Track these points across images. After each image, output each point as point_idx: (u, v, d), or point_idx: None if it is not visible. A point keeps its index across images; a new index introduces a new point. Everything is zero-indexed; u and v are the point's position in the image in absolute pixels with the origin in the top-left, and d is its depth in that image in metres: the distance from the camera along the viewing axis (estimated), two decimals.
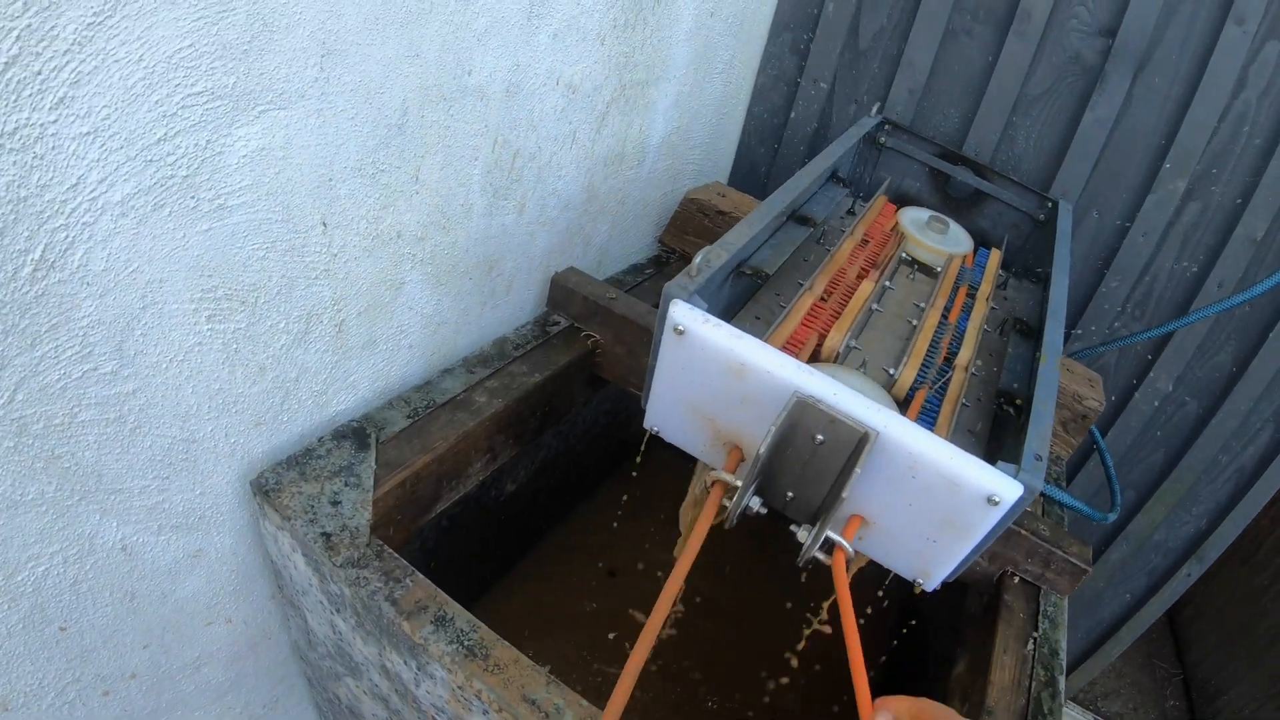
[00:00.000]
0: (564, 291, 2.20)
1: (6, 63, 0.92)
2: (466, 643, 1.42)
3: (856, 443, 1.32)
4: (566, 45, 1.86)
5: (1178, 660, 4.46)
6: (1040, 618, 1.84)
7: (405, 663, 1.49)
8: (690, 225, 2.74)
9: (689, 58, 2.46)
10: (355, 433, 1.75)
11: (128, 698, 1.62)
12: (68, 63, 0.99)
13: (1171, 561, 3.17)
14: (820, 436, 1.34)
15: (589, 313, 2.18)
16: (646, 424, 1.61)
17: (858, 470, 1.29)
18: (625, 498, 2.98)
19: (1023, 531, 1.88)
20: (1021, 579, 1.93)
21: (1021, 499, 1.29)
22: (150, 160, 1.14)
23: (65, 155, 1.04)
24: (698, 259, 1.50)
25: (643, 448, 1.77)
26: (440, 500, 1.89)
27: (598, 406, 2.65)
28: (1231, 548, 3.82)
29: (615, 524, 2.92)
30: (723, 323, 1.39)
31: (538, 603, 2.74)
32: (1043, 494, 2.19)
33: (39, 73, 0.96)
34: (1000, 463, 1.32)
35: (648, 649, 1.19)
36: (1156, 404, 2.97)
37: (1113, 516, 2.33)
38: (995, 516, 1.31)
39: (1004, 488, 1.28)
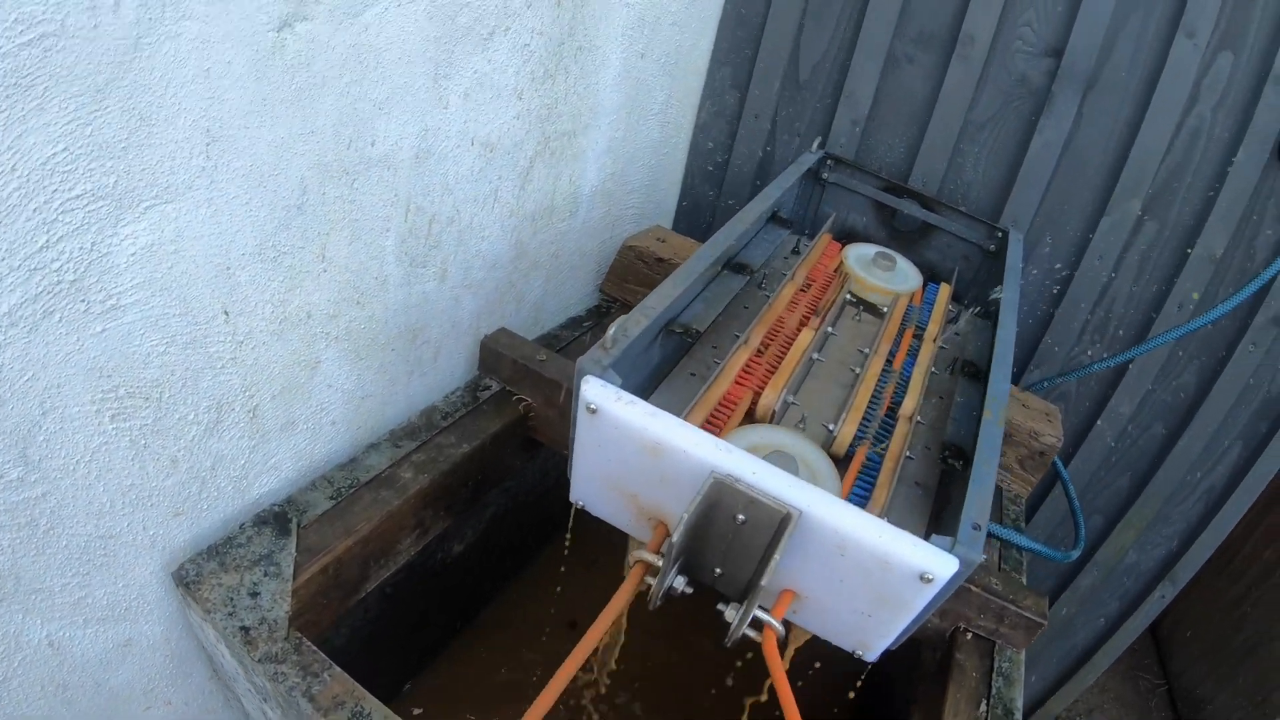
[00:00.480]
0: (494, 355, 2.19)
1: None
2: None
3: (778, 523, 1.29)
4: (480, 104, 1.86)
5: (1161, 671, 4.48)
6: (994, 675, 1.84)
7: None
8: (630, 274, 2.73)
9: (620, 102, 2.46)
10: (277, 518, 1.74)
11: None
12: None
13: (1144, 584, 3.16)
14: (741, 516, 1.33)
15: (520, 376, 2.16)
16: (572, 498, 1.61)
17: (777, 557, 1.27)
18: (567, 553, 2.95)
19: (974, 588, 1.87)
20: (975, 634, 1.92)
21: (959, 573, 1.27)
22: (34, 269, 1.14)
23: None
24: (612, 330, 1.47)
25: (570, 523, 1.73)
26: (369, 580, 1.88)
27: (545, 462, 2.63)
28: (1208, 559, 3.83)
29: (571, 575, 2.89)
30: (637, 400, 1.37)
31: (499, 660, 2.72)
32: (1002, 539, 2.16)
33: None
34: (934, 536, 1.30)
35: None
36: (1120, 429, 2.96)
37: (1075, 554, 2.32)
38: (930, 592, 1.29)
39: (938, 565, 1.27)
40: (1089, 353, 2.89)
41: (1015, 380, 2.98)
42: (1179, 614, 4.51)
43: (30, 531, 1.31)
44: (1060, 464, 2.73)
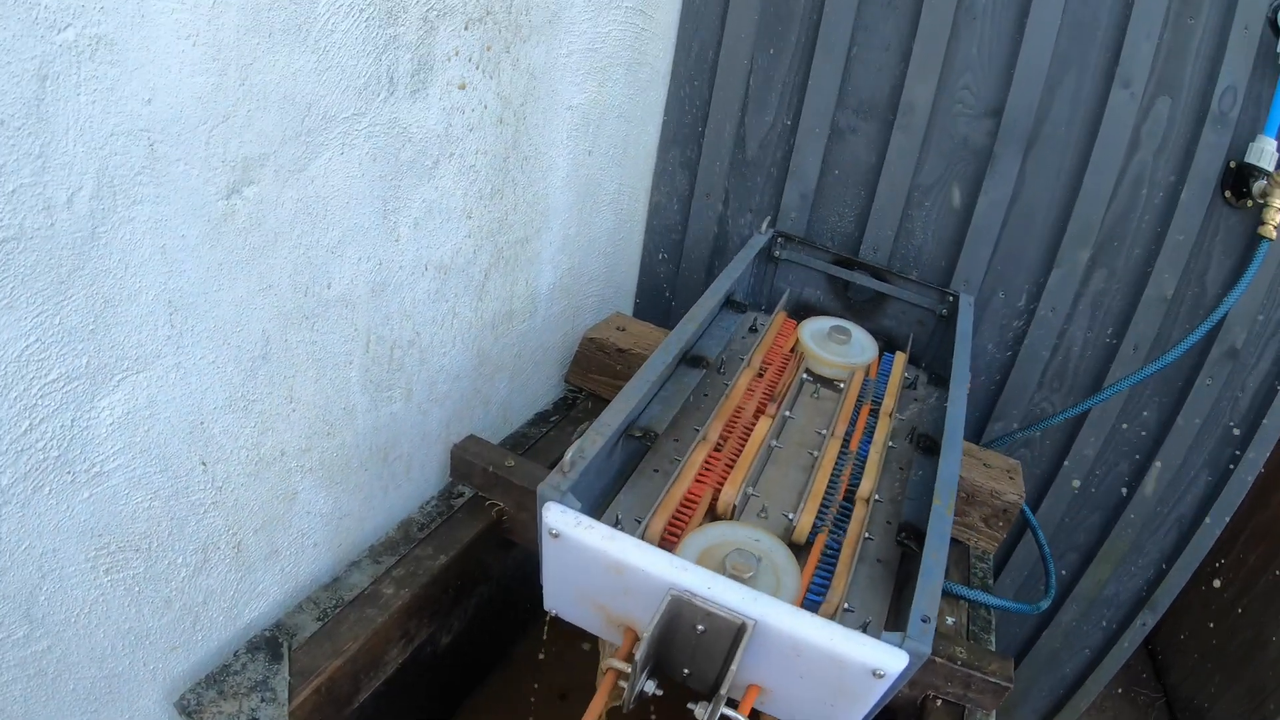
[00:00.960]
0: (465, 464, 2.27)
1: None
2: None
3: (735, 632, 1.38)
4: (430, 230, 1.96)
5: (1158, 683, 4.53)
6: None
7: None
8: (592, 365, 2.82)
9: (571, 200, 2.57)
10: (268, 643, 1.82)
11: None
12: None
13: (1125, 614, 3.24)
14: (700, 627, 1.43)
15: (490, 483, 2.25)
16: (546, 606, 1.70)
17: (736, 662, 1.37)
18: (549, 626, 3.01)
19: (938, 660, 1.94)
20: (944, 700, 1.99)
21: (909, 665, 1.37)
22: (21, 450, 1.23)
23: None
24: (570, 453, 1.57)
25: (545, 628, 1.81)
26: (361, 692, 1.96)
27: (518, 557, 2.69)
28: (1198, 566, 3.90)
29: (561, 649, 2.95)
30: (596, 524, 1.47)
31: None
32: (969, 600, 2.24)
33: None
34: (884, 634, 1.40)
35: None
36: (1087, 470, 3.06)
37: (1045, 604, 2.41)
38: (884, 686, 1.39)
39: (888, 661, 1.36)
40: (1049, 400, 2.99)
41: (977, 435, 3.08)
42: (1172, 625, 4.57)
43: (40, 680, 1.39)
44: (1030, 513, 2.83)
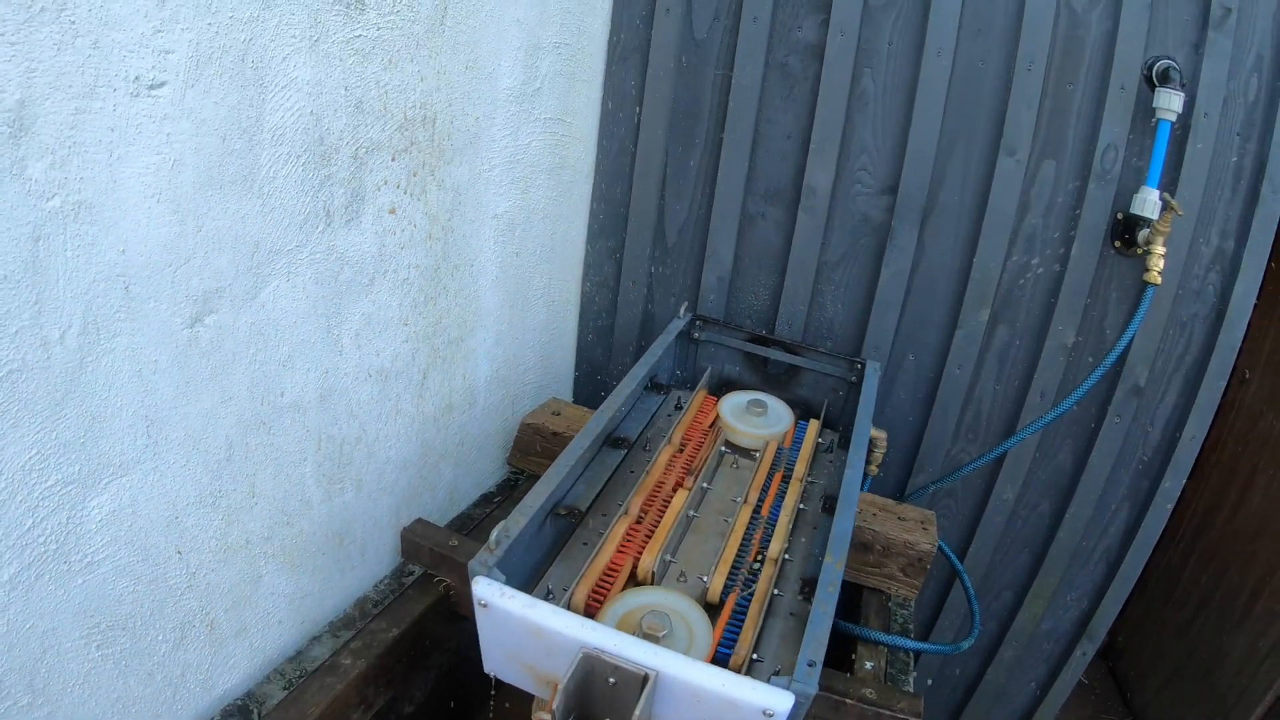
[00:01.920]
0: (413, 545, 2.53)
1: None
2: None
3: (640, 682, 1.62)
4: (370, 339, 2.24)
5: (1125, 707, 4.69)
6: None
7: None
8: (530, 448, 3.06)
9: (501, 299, 2.85)
10: (240, 710, 2.07)
11: None
12: None
13: (1064, 646, 3.45)
14: (612, 679, 1.66)
15: (437, 561, 2.50)
16: (486, 669, 1.93)
17: (639, 709, 1.60)
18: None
19: (849, 701, 2.17)
20: None
21: (797, 704, 1.59)
22: (26, 545, 1.49)
23: None
24: (495, 533, 1.83)
25: (492, 690, 2.04)
26: None
27: (469, 628, 2.85)
28: (1150, 592, 4.11)
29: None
30: (517, 594, 1.72)
31: None
32: (887, 645, 2.47)
33: None
34: (773, 678, 1.63)
35: None
36: (1009, 512, 3.29)
37: (967, 644, 2.61)
38: None
39: (776, 701, 1.58)
40: (966, 450, 3.25)
41: (899, 491, 3.32)
42: (1134, 650, 4.76)
43: None
44: (953, 556, 3.05)
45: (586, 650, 1.65)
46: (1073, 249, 2.89)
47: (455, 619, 2.59)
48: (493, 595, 1.72)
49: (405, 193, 2.20)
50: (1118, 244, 2.84)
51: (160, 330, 1.62)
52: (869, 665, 2.40)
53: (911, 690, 2.34)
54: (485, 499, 3.03)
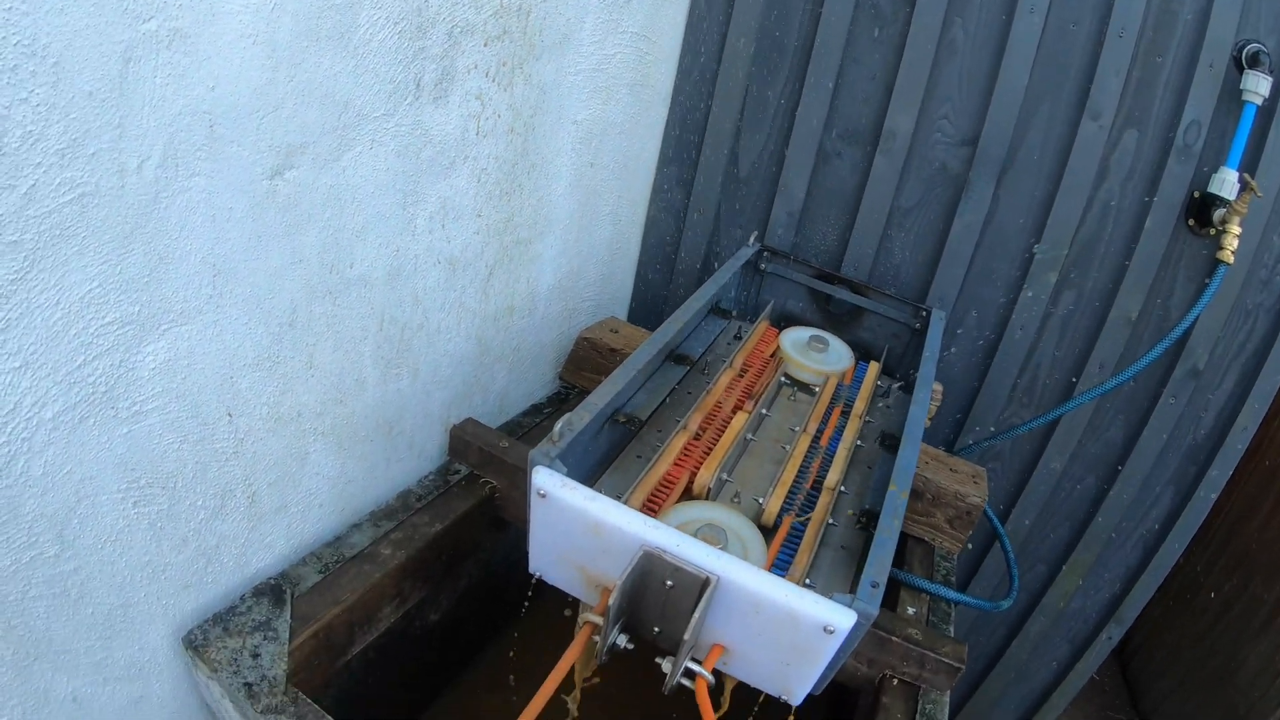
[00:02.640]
0: (462, 443, 2.45)
1: None
2: None
3: (700, 587, 1.55)
4: (443, 224, 2.15)
5: (1133, 709, 4.63)
6: (919, 716, 2.06)
7: None
8: (586, 363, 3.00)
9: (573, 208, 2.75)
10: (273, 589, 1.99)
11: None
12: None
13: (1091, 627, 3.38)
14: (669, 582, 1.59)
15: (485, 462, 2.43)
16: (531, 569, 1.87)
17: (699, 614, 1.53)
18: (523, 617, 3.12)
19: (894, 639, 2.10)
20: (901, 680, 2.15)
21: (858, 625, 1.52)
22: (74, 383, 1.41)
23: (2, 386, 1.30)
24: (559, 425, 1.75)
25: (530, 591, 1.98)
26: (355, 643, 2.13)
27: (516, 534, 2.83)
28: (1171, 593, 4.03)
29: (543, 640, 3.09)
30: (579, 486, 1.64)
31: (478, 712, 2.90)
32: (930, 593, 2.40)
33: None
34: (836, 595, 1.55)
35: None
36: (1054, 483, 3.22)
37: (1006, 604, 2.54)
38: (836, 642, 1.54)
39: (838, 618, 1.51)
40: (1019, 414, 3.16)
41: (950, 444, 3.24)
42: (1147, 651, 4.69)
43: (63, 600, 1.55)
44: (994, 518, 2.97)
45: (648, 549, 1.57)
46: (1146, 221, 2.80)
47: (497, 525, 2.53)
48: (553, 486, 1.64)
49: (493, 81, 2.10)
50: (1191, 222, 2.76)
51: (239, 177, 1.54)
52: (911, 611, 2.33)
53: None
54: (535, 409, 2.96)
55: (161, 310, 1.50)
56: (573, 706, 2.16)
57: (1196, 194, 2.73)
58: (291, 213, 1.69)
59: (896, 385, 2.75)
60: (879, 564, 1.64)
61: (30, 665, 1.54)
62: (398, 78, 1.80)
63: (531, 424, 2.86)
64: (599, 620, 1.64)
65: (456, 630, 2.76)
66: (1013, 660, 3.51)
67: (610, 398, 1.94)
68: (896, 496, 1.85)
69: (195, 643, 1.82)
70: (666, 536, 1.59)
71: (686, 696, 1.63)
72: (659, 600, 1.63)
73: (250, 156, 1.55)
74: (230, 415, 1.75)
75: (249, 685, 1.76)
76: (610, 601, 1.56)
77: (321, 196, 1.74)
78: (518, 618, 3.24)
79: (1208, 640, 4.15)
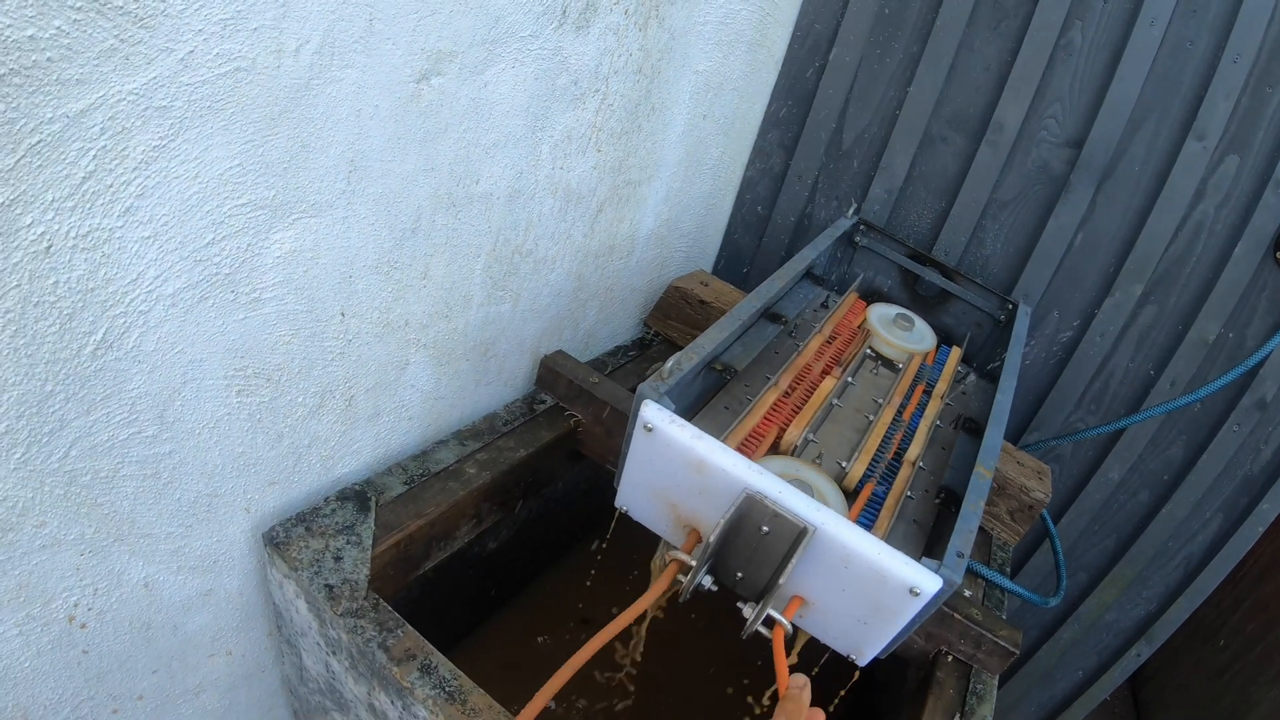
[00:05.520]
0: (551, 374, 2.41)
1: (84, 177, 1.13)
2: (448, 689, 1.62)
3: (796, 535, 1.51)
4: (566, 154, 2.09)
5: None
6: (969, 694, 2.02)
7: (392, 703, 1.69)
8: (673, 312, 2.95)
9: (680, 156, 2.68)
10: (357, 495, 1.95)
11: (134, 716, 1.80)
12: (135, 178, 1.19)
13: (1122, 642, 3.32)
14: (765, 528, 1.54)
15: (573, 394, 2.38)
16: (618, 503, 1.81)
17: (794, 561, 1.49)
18: (600, 556, 3.14)
19: (956, 615, 2.06)
20: (955, 658, 2.11)
21: (941, 591, 1.48)
22: (199, 260, 1.36)
23: (129, 255, 1.25)
24: (669, 363, 1.71)
25: (613, 524, 1.96)
26: (429, 559, 2.09)
27: (578, 474, 2.83)
28: (1194, 627, 3.97)
29: (590, 580, 3.09)
30: (687, 424, 1.60)
31: (517, 650, 2.90)
32: (986, 579, 2.36)
33: (110, 186, 1.17)
34: (924, 559, 1.51)
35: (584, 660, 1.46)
36: (1109, 493, 3.14)
37: (1054, 601, 2.49)
38: (918, 605, 1.50)
39: (925, 581, 1.48)
40: (1085, 420, 3.08)
41: (1014, 439, 3.17)
42: (1161, 680, 4.62)
43: (153, 482, 1.51)
44: (1049, 519, 2.91)
45: (750, 493, 1.54)
46: (1236, 248, 2.71)
47: (575, 458, 2.49)
48: (661, 421, 1.60)
49: (631, 19, 2.02)
50: (1279, 255, 2.67)
51: (389, 76, 1.48)
52: (967, 594, 2.29)
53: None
54: (619, 350, 2.90)
55: (296, 199, 1.45)
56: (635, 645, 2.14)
57: None
58: (432, 119, 1.62)
59: (975, 374, 2.70)
60: (964, 536, 1.60)
61: (110, 546, 1.51)
62: (547, 0, 1.74)
63: (615, 364, 2.81)
64: (689, 559, 1.61)
65: (508, 562, 2.75)
66: (1040, 663, 3.45)
67: (717, 344, 1.89)
68: (983, 477, 1.80)
69: (276, 540, 1.79)
70: (770, 483, 1.54)
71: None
72: (750, 545, 1.59)
73: (402, 57, 1.48)
74: (343, 315, 1.70)
75: (330, 587, 1.72)
76: (710, 539, 1.53)
77: (462, 107, 1.68)
78: (569, 554, 3.26)
79: (1224, 678, 4.05)
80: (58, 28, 0.99)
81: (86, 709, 1.67)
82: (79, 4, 1.00)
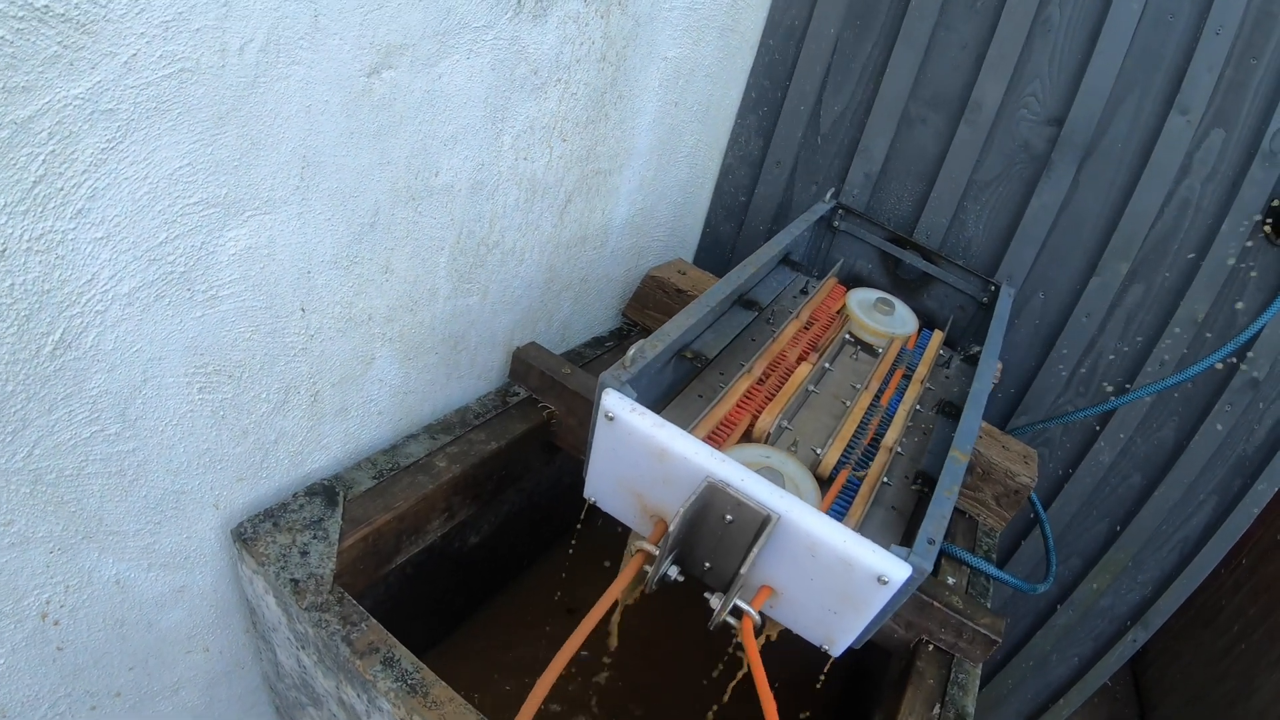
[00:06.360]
0: (524, 365, 2.45)
1: (35, 181, 1.17)
2: (410, 681, 1.66)
3: (760, 524, 1.54)
4: (529, 145, 2.12)
5: (1141, 718, 4.60)
6: (950, 684, 2.05)
7: (358, 696, 1.73)
8: (651, 302, 2.98)
9: (653, 145, 2.71)
10: (326, 490, 1.99)
11: (112, 714, 1.84)
12: (85, 180, 1.23)
13: (1117, 628, 3.35)
14: (729, 516, 1.57)
15: (546, 386, 2.42)
16: (586, 493, 1.85)
17: (756, 550, 1.52)
18: (571, 549, 3.15)
19: (936, 604, 2.09)
20: (936, 647, 2.14)
21: (911, 579, 1.50)
22: (153, 259, 1.40)
23: (82, 256, 1.29)
24: (631, 351, 1.74)
25: (582, 515, 1.98)
26: (400, 553, 2.13)
27: (560, 466, 2.86)
28: (1194, 611, 3.99)
29: (566, 571, 3.12)
30: (648, 411, 1.63)
31: (503, 640, 2.95)
32: (971, 567, 2.38)
33: (61, 189, 1.21)
34: (894, 546, 1.54)
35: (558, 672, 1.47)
36: (1100, 476, 3.17)
37: (1042, 588, 2.51)
38: (887, 594, 1.53)
39: (893, 569, 1.50)
40: (1074, 403, 3.11)
41: (1002, 423, 3.20)
42: (1162, 664, 4.64)
43: (119, 480, 1.55)
44: (1038, 503, 2.93)
45: (712, 481, 1.56)
46: (1223, 224, 2.73)
47: (549, 450, 2.53)
48: (622, 409, 1.63)
49: (591, 6, 2.06)
50: (1268, 229, 2.68)
51: (338, 71, 1.51)
52: (951, 581, 2.31)
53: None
54: (596, 341, 2.94)
55: (248, 196, 1.49)
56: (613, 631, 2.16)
57: (1276, 202, 2.66)
58: (385, 113, 1.66)
59: (959, 357, 2.72)
60: (937, 521, 1.63)
61: (79, 544, 1.55)
62: None
63: (592, 355, 2.84)
64: (653, 549, 1.63)
65: (493, 554, 2.78)
66: (1034, 650, 3.48)
67: (683, 331, 1.91)
68: (957, 460, 1.83)
69: (244, 535, 1.83)
70: (732, 470, 1.57)
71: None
72: (715, 534, 1.62)
73: (351, 51, 1.52)
74: (304, 310, 1.74)
75: (295, 581, 1.76)
76: (670, 529, 1.56)
77: (416, 100, 1.71)
78: (551, 548, 3.29)
79: (1225, 661, 4.08)
80: (0, 37, 1.02)
81: (64, 705, 1.71)
82: (20, 13, 1.04)
